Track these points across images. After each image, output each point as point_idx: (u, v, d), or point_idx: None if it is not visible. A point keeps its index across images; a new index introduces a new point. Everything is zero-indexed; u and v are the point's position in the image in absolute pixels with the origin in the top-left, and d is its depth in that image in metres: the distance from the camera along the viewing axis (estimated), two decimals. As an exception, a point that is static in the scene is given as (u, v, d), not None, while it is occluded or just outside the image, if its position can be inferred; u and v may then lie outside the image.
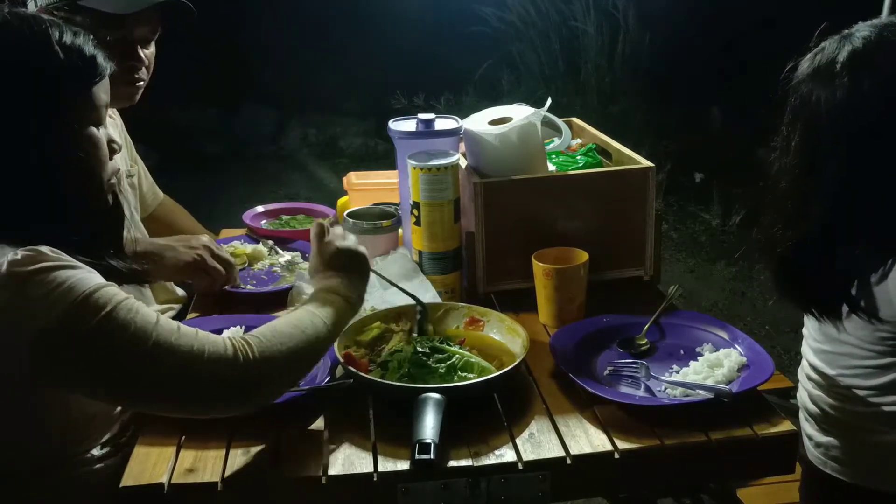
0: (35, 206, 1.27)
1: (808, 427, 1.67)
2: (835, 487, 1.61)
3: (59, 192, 1.29)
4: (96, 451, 1.39)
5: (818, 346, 1.62)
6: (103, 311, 1.19)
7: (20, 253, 1.19)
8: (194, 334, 1.25)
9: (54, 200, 1.28)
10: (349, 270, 1.51)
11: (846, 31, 1.50)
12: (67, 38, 1.29)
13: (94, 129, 1.33)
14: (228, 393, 1.26)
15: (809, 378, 1.66)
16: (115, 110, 2.15)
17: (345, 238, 1.57)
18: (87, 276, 1.22)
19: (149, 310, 1.25)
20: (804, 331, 1.68)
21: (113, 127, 2.10)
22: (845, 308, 1.49)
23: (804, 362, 1.69)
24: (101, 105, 1.34)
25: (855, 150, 1.46)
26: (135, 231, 1.89)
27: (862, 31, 1.48)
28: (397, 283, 1.71)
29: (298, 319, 1.36)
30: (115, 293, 1.22)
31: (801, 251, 1.52)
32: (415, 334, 1.65)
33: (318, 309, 1.41)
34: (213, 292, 1.93)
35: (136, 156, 2.26)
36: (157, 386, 1.24)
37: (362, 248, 1.56)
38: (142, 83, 1.96)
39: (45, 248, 1.21)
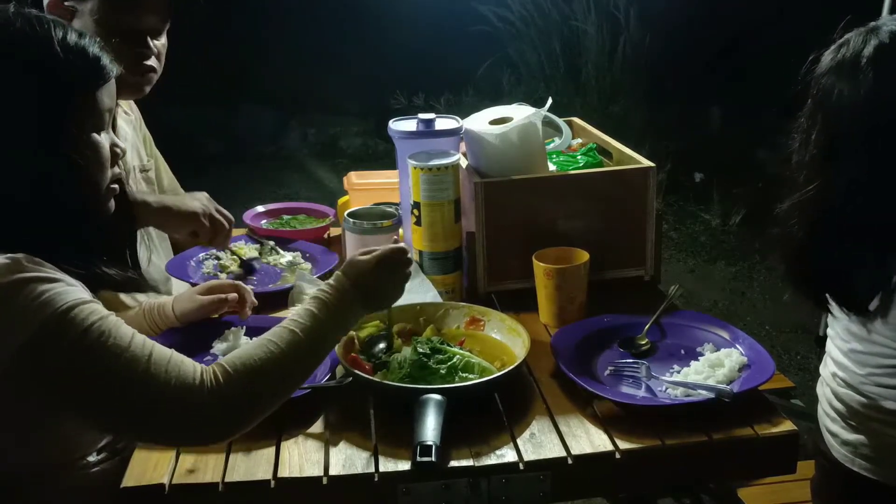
0: (27, 211, 1.23)
1: (831, 425, 1.64)
2: (862, 485, 1.59)
3: (54, 198, 1.24)
4: (92, 458, 1.37)
5: (846, 345, 1.59)
6: (76, 330, 1.15)
7: None
8: (166, 360, 1.20)
9: (48, 206, 1.24)
10: (372, 297, 1.42)
11: (873, 23, 1.48)
12: (71, 39, 1.24)
13: (94, 135, 1.28)
14: (193, 422, 1.22)
15: (835, 376, 1.63)
16: (131, 103, 2.13)
17: (408, 271, 1.48)
18: (64, 291, 1.18)
19: (124, 330, 1.20)
20: (829, 330, 1.66)
21: (127, 123, 2.07)
22: (873, 306, 1.47)
23: (828, 360, 1.67)
24: (104, 109, 1.29)
25: (875, 146, 1.44)
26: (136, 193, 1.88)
27: (889, 25, 1.45)
28: None
29: (276, 341, 1.29)
30: (91, 311, 1.18)
31: (817, 245, 1.51)
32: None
33: (302, 325, 1.32)
34: (218, 245, 1.98)
35: (157, 152, 2.25)
36: (124, 411, 1.20)
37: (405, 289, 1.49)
38: (153, 74, 1.93)
39: (22, 257, 1.18)
